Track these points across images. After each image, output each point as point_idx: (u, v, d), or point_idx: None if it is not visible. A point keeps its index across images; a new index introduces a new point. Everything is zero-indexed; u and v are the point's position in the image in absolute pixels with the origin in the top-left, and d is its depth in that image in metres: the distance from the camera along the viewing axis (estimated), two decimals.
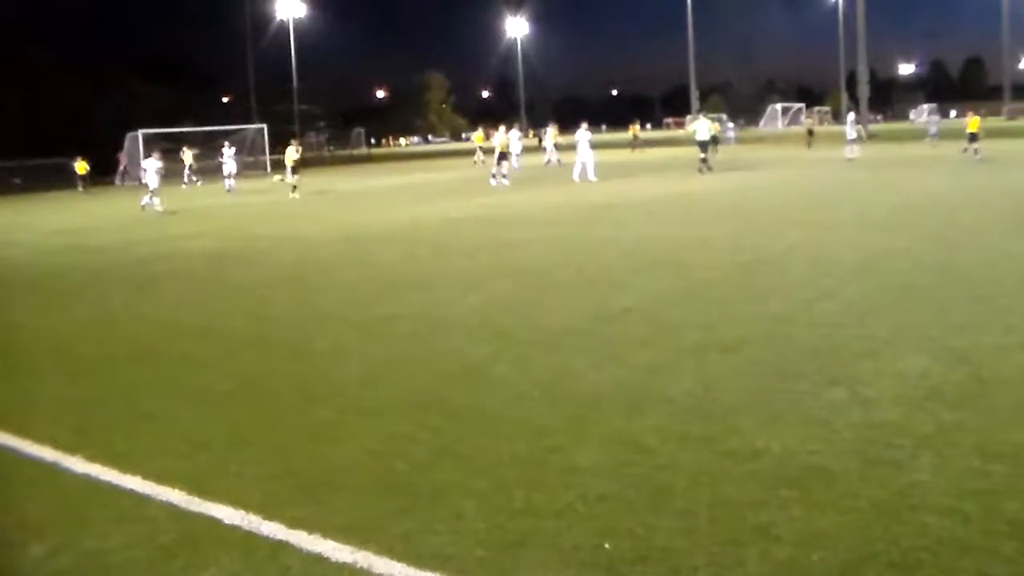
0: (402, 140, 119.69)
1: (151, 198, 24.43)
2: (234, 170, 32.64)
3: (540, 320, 7.63)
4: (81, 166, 40.22)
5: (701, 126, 27.95)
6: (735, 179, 23.65)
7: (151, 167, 25.36)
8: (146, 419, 5.48)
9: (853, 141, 30.13)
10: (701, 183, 22.80)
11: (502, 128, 27.81)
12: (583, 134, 26.31)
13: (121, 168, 45.58)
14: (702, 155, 26.61)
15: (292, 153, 28.00)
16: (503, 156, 25.78)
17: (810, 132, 43.01)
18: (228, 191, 31.31)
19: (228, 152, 33.82)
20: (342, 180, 37.20)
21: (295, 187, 26.89)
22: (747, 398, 5.13)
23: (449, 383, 5.84)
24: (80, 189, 39.03)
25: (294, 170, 27.37)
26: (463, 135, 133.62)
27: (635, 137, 50.17)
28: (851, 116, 32.68)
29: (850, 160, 28.62)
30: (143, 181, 26.50)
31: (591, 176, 25.24)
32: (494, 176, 25.59)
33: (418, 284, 9.96)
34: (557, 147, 36.38)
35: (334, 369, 6.40)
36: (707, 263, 10.09)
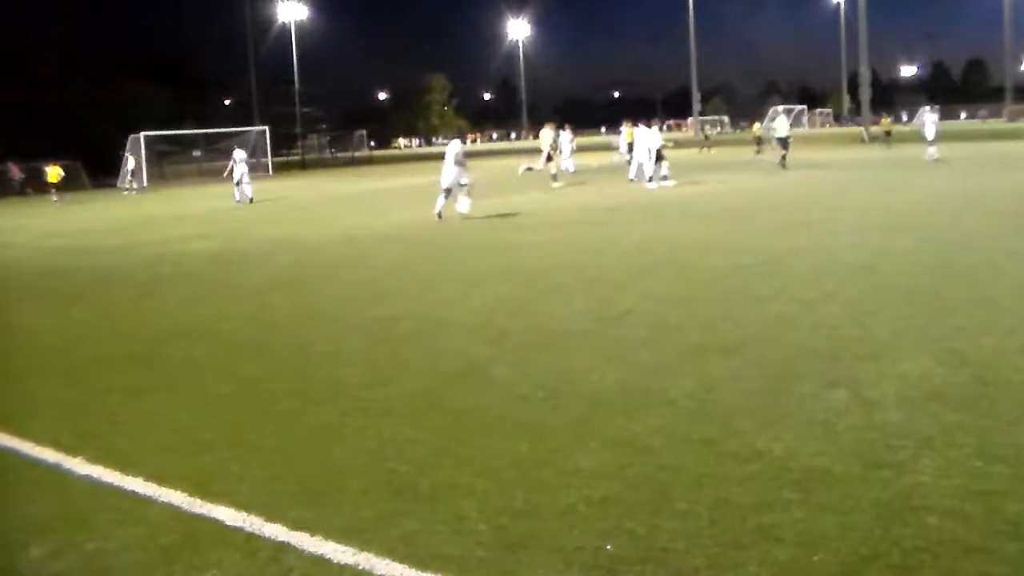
0: (400, 141, 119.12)
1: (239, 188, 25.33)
2: (245, 175, 26.91)
3: (541, 321, 7.64)
4: (54, 173, 35.05)
5: (781, 123, 28.09)
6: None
7: (238, 158, 25.79)
8: (147, 420, 5.48)
9: (933, 141, 26.99)
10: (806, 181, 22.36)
11: (654, 126, 24.17)
12: (641, 133, 25.83)
13: (18, 178, 41.80)
14: (783, 152, 26.97)
15: (548, 137, 25.26)
16: (659, 156, 23.19)
17: (888, 133, 38.81)
18: (239, 201, 26.25)
19: (239, 156, 27.34)
20: (344, 182, 37.23)
21: (555, 175, 24.36)
22: (749, 400, 5.13)
23: (450, 384, 5.85)
24: (54, 199, 33.55)
25: (549, 157, 24.48)
26: (440, 138, 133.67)
27: (706, 137, 50.26)
28: (931, 115, 28.40)
29: (935, 161, 25.99)
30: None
31: (647, 175, 24.24)
32: (651, 179, 23.03)
33: (419, 285, 9.97)
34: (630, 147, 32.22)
35: (335, 370, 6.40)
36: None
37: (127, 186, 39.09)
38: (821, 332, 6.61)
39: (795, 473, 4.03)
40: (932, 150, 26.88)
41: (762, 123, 47.24)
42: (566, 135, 31.93)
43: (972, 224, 12.39)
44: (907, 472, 3.97)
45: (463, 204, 16.47)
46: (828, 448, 4.31)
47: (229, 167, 27.39)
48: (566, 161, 30.82)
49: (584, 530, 3.59)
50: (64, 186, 40.65)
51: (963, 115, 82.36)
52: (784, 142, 27.30)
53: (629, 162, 28.39)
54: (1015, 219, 12.82)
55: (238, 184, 26.50)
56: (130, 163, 39.78)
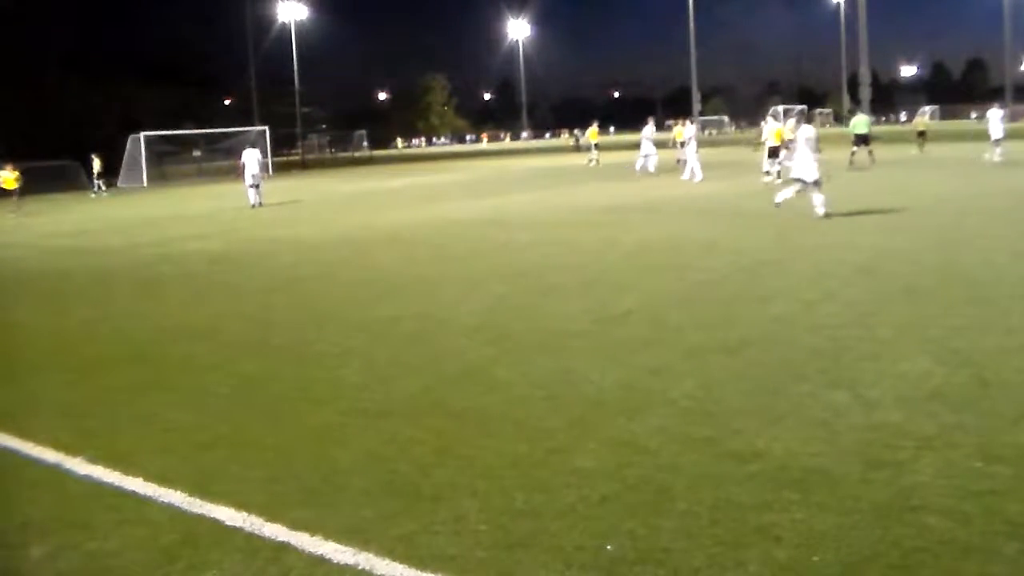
0: (398, 141, 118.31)
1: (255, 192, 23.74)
2: (258, 175, 24.55)
3: (542, 322, 7.64)
4: (8, 180, 29.18)
5: (860, 121, 27.67)
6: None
7: (250, 159, 24.11)
8: (148, 420, 5.48)
9: (999, 141, 24.50)
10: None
11: (770, 119, 22.91)
12: (691, 130, 25.32)
13: None
14: (855, 148, 26.47)
15: (803, 129, 24.05)
16: (774, 151, 21.80)
17: (921, 133, 34.80)
18: (255, 205, 23.99)
19: (250, 156, 24.83)
20: (344, 182, 37.26)
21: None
22: (749, 400, 5.13)
23: (450, 385, 5.85)
24: (10, 211, 27.72)
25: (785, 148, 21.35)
26: (467, 137, 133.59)
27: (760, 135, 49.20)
28: (998, 112, 25.06)
29: (996, 163, 23.91)
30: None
31: (698, 175, 23.86)
32: (768, 174, 21.77)
33: (419, 286, 9.97)
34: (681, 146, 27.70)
35: (335, 371, 6.40)
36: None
37: (95, 188, 38.20)
38: (821, 332, 6.61)
39: (795, 473, 4.03)
40: (997, 151, 24.53)
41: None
42: (649, 128, 28.49)
43: (973, 224, 12.39)
44: (907, 472, 3.98)
45: (818, 200, 13.69)
46: (828, 448, 4.31)
47: (240, 168, 25.23)
48: (651, 159, 27.66)
49: (584, 530, 3.59)
50: (66, 187, 40.51)
51: (973, 115, 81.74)
52: (862, 139, 26.73)
53: (678, 161, 27.34)
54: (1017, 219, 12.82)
55: (252, 187, 24.23)
56: (95, 165, 38.84)
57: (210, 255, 14.30)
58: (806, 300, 7.77)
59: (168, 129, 47.70)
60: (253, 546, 3.64)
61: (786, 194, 14.22)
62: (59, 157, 42.73)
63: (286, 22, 69.78)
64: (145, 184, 44.13)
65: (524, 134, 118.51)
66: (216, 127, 50.79)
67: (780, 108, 70.28)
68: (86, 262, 14.62)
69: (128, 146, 45.67)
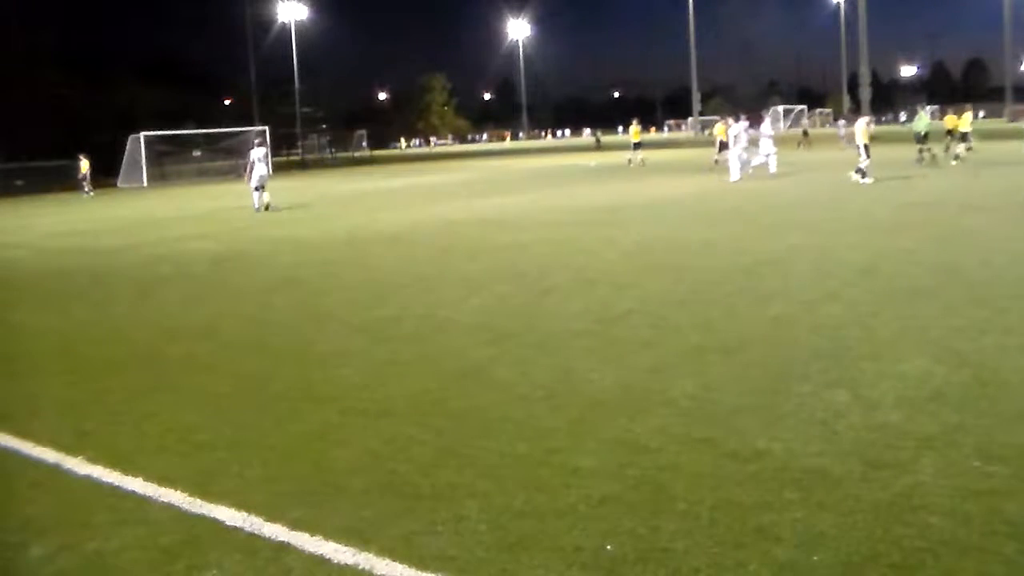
0: (402, 142, 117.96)
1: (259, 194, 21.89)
2: (265, 176, 22.82)
3: (541, 322, 7.64)
4: None
5: (921, 119, 26.64)
6: None
7: (258, 158, 22.10)
8: (148, 420, 5.48)
9: None
10: None
11: (862, 118, 21.69)
12: (738, 127, 24.56)
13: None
14: (920, 146, 25.46)
15: (963, 120, 25.41)
16: (867, 148, 20.78)
17: (949, 133, 29.55)
18: (257, 209, 22.11)
19: (257, 155, 22.52)
20: (344, 182, 37.26)
21: (958, 155, 23.45)
22: (749, 400, 5.13)
23: (451, 384, 5.85)
24: None
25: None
26: (479, 136, 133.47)
27: (805, 133, 45.69)
28: None
29: None
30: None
31: (733, 175, 23.19)
32: (860, 172, 20.55)
33: (419, 286, 9.97)
34: (723, 145, 26.88)
35: (336, 370, 6.40)
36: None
37: (86, 190, 38.21)
38: (821, 332, 6.61)
39: (795, 473, 4.03)
40: None
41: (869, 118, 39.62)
42: (767, 125, 25.93)
43: (972, 224, 12.39)
44: (907, 472, 3.98)
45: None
46: (828, 448, 4.31)
47: (248, 169, 22.84)
48: (772, 158, 24.55)
49: (584, 530, 3.59)
50: (65, 187, 40.38)
51: (981, 114, 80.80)
52: (919, 138, 25.62)
53: (716, 162, 26.37)
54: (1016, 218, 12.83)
55: (258, 188, 22.13)
56: (83, 166, 38.62)
57: (210, 255, 14.30)
58: (806, 300, 7.77)
59: (168, 129, 47.70)
60: (253, 546, 3.64)
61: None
62: (59, 157, 42.70)
63: (286, 22, 69.80)
64: (145, 184, 44.14)
65: (549, 136, 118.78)
66: (216, 127, 50.78)
67: (780, 108, 70.30)
68: (86, 262, 14.61)
69: (128, 146, 45.67)
